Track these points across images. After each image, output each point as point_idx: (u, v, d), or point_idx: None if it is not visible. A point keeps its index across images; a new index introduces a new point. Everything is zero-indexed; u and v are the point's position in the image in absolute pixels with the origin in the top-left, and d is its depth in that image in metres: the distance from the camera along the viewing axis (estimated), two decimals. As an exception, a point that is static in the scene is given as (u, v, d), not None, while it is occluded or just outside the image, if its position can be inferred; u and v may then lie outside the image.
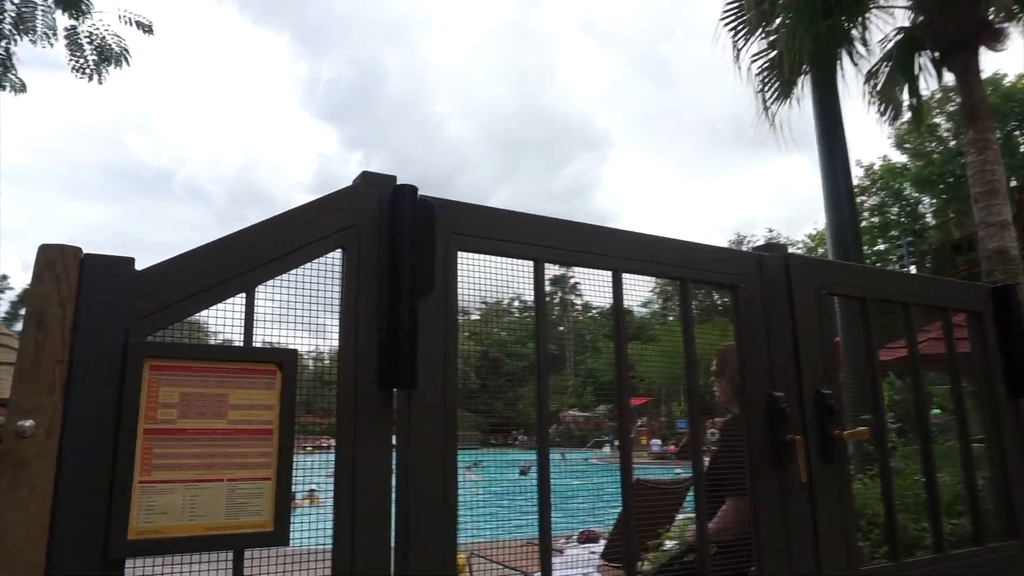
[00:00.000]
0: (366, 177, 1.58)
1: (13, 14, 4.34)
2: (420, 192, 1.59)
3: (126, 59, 4.73)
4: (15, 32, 4.38)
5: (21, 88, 4.72)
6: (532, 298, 1.78)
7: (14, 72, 4.56)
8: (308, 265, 1.48)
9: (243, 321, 1.39)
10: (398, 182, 1.58)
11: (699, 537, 1.86)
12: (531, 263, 1.74)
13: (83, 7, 4.36)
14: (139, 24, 4.56)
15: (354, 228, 1.53)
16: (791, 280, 2.14)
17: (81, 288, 1.25)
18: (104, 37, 4.56)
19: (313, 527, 1.45)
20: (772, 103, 6.21)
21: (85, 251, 1.27)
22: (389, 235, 1.54)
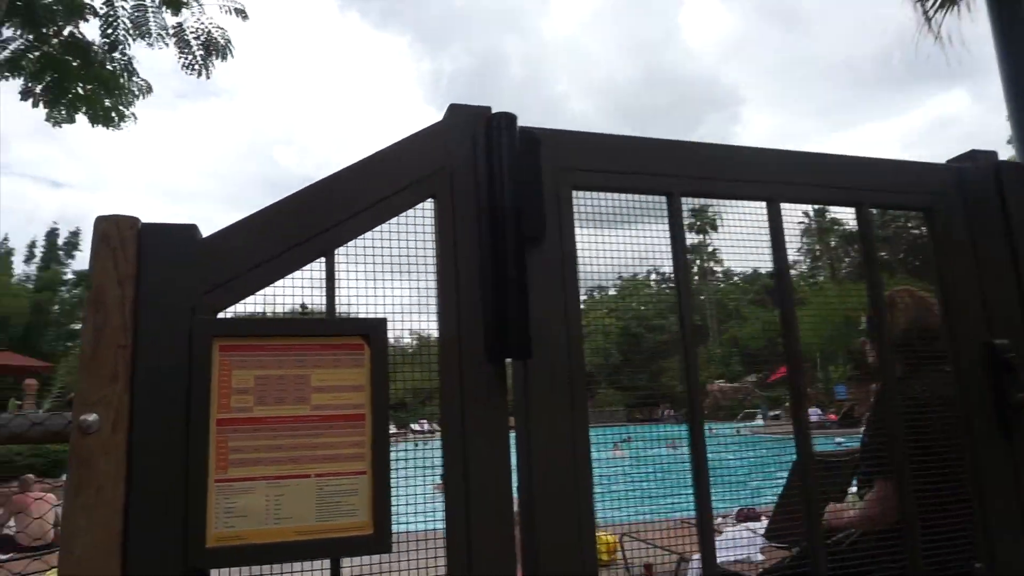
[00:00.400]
0: (454, 110, 1.33)
1: (128, 20, 4.56)
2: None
3: (230, 51, 4.84)
4: (129, 35, 4.61)
5: (148, 89, 4.96)
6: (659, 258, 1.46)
7: (137, 75, 4.81)
8: (395, 220, 1.26)
9: (324, 288, 1.19)
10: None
11: (908, 524, 1.48)
12: (663, 198, 1.42)
13: (181, 1, 4.49)
14: (236, 11, 4.66)
15: (444, 171, 1.28)
16: (1006, 196, 1.66)
17: (141, 263, 1.10)
18: (209, 31, 4.69)
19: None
20: (935, 11, 5.29)
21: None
22: (487, 176, 1.28)
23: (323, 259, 1.20)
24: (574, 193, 1.36)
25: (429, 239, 1.27)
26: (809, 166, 1.52)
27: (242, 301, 1.14)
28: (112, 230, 1.09)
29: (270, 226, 1.18)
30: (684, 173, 1.42)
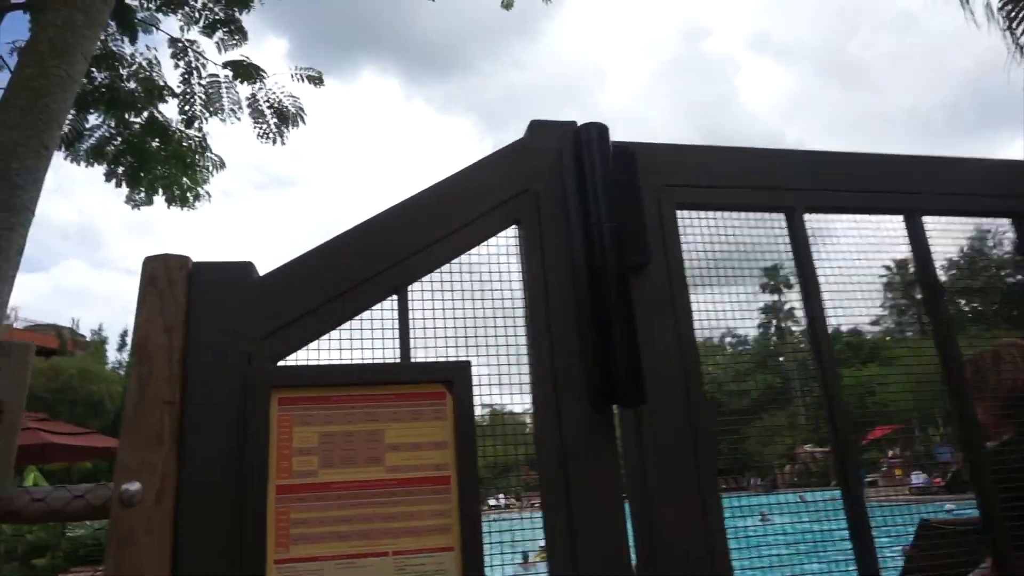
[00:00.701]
0: (536, 127, 1.18)
1: (203, 96, 4.76)
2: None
3: (302, 118, 4.96)
4: (206, 111, 4.80)
5: (221, 165, 5.13)
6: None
7: (211, 151, 4.98)
8: (475, 251, 1.10)
9: (396, 330, 1.02)
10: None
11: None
12: (782, 216, 1.21)
13: (260, 74, 4.65)
14: (310, 78, 4.79)
15: (528, 194, 1.13)
16: None
17: (191, 307, 0.96)
18: (280, 100, 4.83)
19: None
20: (1026, 37, 4.96)
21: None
22: (578, 197, 1.11)
23: (395, 297, 1.04)
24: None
25: (515, 271, 1.10)
26: (956, 172, 1.29)
27: (304, 347, 0.99)
28: (160, 271, 0.97)
29: (334, 262, 1.03)
30: (807, 186, 1.21)
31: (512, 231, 1.12)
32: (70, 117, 4.47)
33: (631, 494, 1.01)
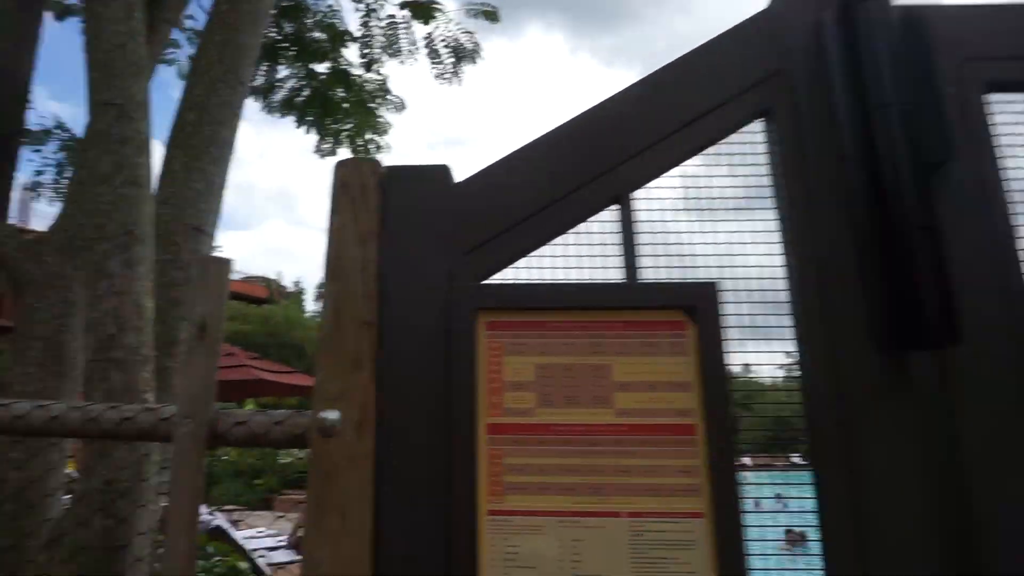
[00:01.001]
0: (791, -9, 0.92)
1: (381, 38, 4.82)
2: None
3: (479, 54, 4.88)
4: (385, 53, 4.86)
5: (401, 107, 5.22)
6: None
7: (391, 94, 5.07)
8: (712, 150, 0.88)
9: (620, 246, 0.84)
10: None
11: None
12: None
13: (436, 5, 4.61)
14: (486, 14, 4.68)
15: (779, 77, 0.89)
16: None
17: (385, 216, 0.84)
18: (457, 37, 4.76)
19: None
20: None
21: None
22: (847, 79, 0.85)
23: (616, 207, 0.86)
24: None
25: (763, 171, 0.88)
26: None
27: (512, 265, 0.84)
28: (352, 177, 0.85)
29: (545, 164, 0.87)
30: None
31: (758, 125, 0.89)
32: (263, 69, 4.72)
33: (933, 465, 0.77)
